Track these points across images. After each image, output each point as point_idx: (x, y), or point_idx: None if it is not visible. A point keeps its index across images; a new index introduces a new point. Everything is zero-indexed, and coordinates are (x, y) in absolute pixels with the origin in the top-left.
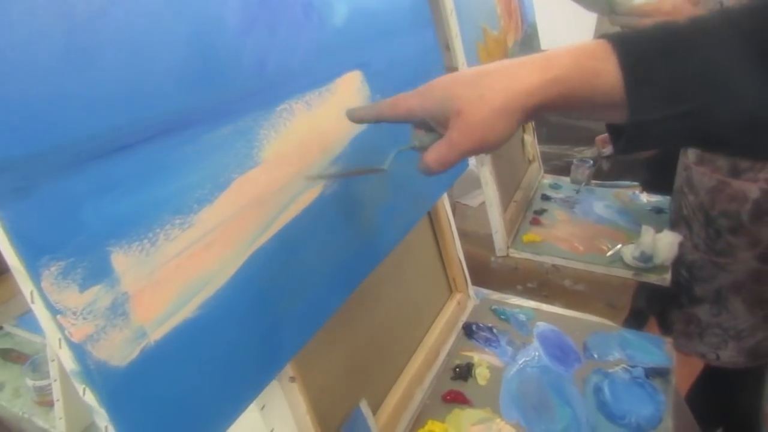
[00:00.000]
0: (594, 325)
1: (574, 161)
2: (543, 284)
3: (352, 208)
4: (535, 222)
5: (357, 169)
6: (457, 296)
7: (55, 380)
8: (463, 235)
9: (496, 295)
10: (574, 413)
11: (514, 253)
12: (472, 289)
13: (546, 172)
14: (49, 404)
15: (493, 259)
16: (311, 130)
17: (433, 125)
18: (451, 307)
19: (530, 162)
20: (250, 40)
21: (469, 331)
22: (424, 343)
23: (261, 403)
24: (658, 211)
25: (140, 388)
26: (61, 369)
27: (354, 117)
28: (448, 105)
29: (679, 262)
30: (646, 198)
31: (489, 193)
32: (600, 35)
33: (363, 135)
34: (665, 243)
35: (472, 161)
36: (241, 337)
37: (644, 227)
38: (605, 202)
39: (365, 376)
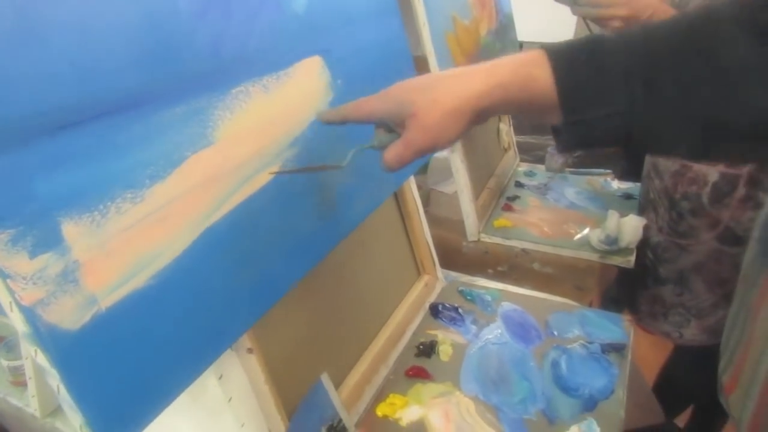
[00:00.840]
0: (557, 305)
1: (549, 149)
2: (512, 268)
3: (310, 189)
4: (507, 208)
5: (317, 165)
6: (425, 278)
7: (26, 358)
8: (436, 220)
9: (465, 278)
10: (531, 386)
11: (485, 238)
12: (441, 272)
13: (527, 161)
14: (23, 384)
15: (464, 243)
16: (268, 113)
17: (392, 126)
18: (418, 288)
19: (505, 150)
20: (204, 22)
21: (435, 311)
22: (390, 322)
23: (218, 373)
24: (627, 197)
25: (91, 352)
26: None
27: (322, 119)
28: (405, 108)
29: (644, 245)
30: (617, 184)
31: (460, 180)
32: (540, 46)
33: None
34: (630, 226)
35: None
36: (191, 309)
37: (610, 212)
38: (577, 188)
39: (328, 351)
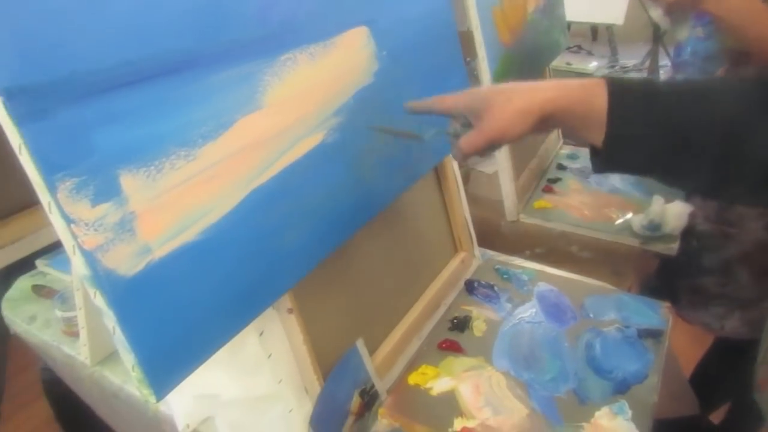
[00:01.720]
0: (594, 288)
1: None
2: (550, 250)
3: (352, 157)
4: (548, 190)
5: (401, 131)
6: (462, 255)
7: (80, 309)
8: (475, 200)
9: (501, 257)
10: (563, 365)
11: (524, 219)
12: (477, 250)
13: (571, 144)
14: (75, 334)
15: (503, 223)
16: (314, 81)
17: (470, 119)
18: (454, 264)
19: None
20: None
21: (470, 287)
22: (425, 295)
23: (259, 329)
24: None
25: (144, 297)
26: (85, 299)
27: (409, 109)
28: (483, 104)
29: (689, 233)
30: None
31: (501, 160)
32: (589, 26)
33: (367, 89)
34: (674, 213)
35: None
36: (237, 264)
37: (655, 197)
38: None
39: (364, 319)
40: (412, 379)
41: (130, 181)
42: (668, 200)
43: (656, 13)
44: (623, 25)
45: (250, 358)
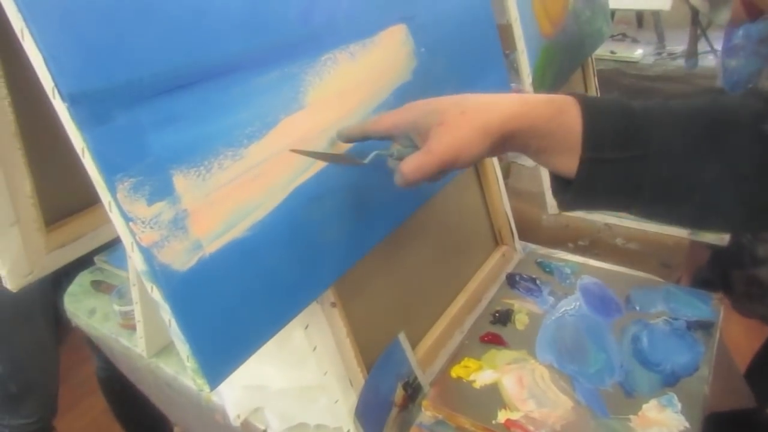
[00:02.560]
0: (640, 280)
1: None
2: (594, 242)
3: None
4: None
5: (341, 156)
6: (503, 248)
7: (136, 303)
8: (516, 193)
9: (543, 250)
10: (608, 358)
11: (566, 212)
12: (519, 243)
13: None
14: (132, 327)
15: (544, 217)
16: (354, 79)
17: (414, 139)
18: (495, 258)
19: None
20: None
21: (512, 281)
22: (466, 289)
23: (305, 323)
24: None
25: (197, 291)
26: (141, 294)
27: (342, 137)
28: (432, 118)
29: None
30: None
31: None
32: (635, 13)
33: (406, 87)
34: None
35: None
36: (283, 259)
37: None
38: None
39: (406, 313)
40: (455, 371)
41: (182, 181)
42: None
43: None
44: (670, 10)
45: (296, 351)
